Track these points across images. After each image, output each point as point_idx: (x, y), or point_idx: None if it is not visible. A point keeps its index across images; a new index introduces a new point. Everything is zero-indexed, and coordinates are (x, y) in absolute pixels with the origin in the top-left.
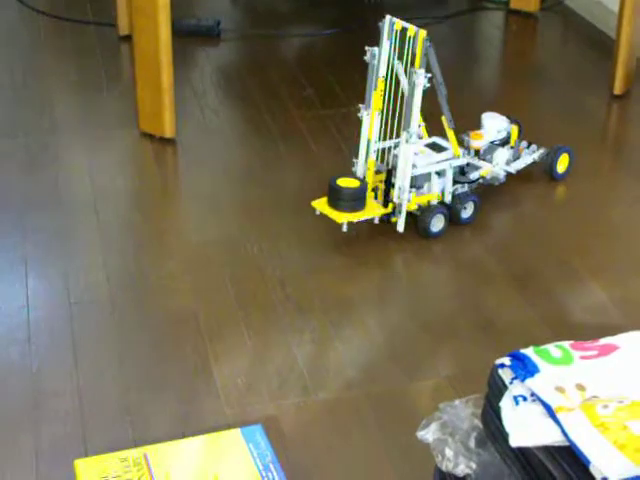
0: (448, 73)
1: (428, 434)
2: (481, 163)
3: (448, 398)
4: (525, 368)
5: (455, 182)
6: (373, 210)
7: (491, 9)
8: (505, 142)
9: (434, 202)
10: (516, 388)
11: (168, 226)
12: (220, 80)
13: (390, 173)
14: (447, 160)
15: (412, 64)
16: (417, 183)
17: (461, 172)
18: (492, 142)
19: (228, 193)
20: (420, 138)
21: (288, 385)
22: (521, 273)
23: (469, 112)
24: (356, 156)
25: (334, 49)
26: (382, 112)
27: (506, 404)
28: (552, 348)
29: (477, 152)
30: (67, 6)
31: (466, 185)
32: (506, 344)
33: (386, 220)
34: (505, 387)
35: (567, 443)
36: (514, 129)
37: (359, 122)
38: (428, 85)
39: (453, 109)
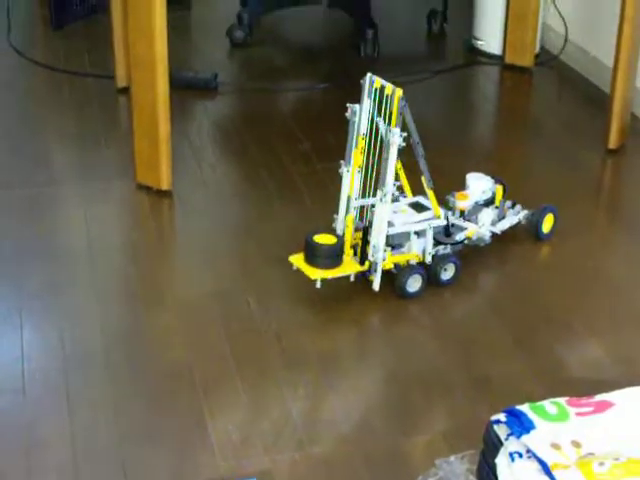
0: (443, 126)
1: None
2: (467, 224)
3: (443, 453)
4: (521, 424)
5: (439, 243)
6: (349, 267)
7: (486, 64)
8: (490, 202)
9: (413, 262)
10: (512, 444)
11: (163, 278)
12: (217, 133)
13: (367, 231)
14: (426, 220)
15: (389, 123)
16: (395, 242)
17: (446, 233)
18: (477, 202)
19: (223, 246)
20: (397, 198)
21: (283, 439)
22: (509, 332)
23: (464, 165)
24: (337, 212)
25: (330, 103)
26: (363, 169)
27: (502, 461)
28: (548, 404)
29: (462, 213)
30: (65, 58)
31: (448, 246)
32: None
33: (366, 277)
34: (501, 443)
35: None
36: (499, 189)
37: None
38: (404, 144)
39: (447, 163)
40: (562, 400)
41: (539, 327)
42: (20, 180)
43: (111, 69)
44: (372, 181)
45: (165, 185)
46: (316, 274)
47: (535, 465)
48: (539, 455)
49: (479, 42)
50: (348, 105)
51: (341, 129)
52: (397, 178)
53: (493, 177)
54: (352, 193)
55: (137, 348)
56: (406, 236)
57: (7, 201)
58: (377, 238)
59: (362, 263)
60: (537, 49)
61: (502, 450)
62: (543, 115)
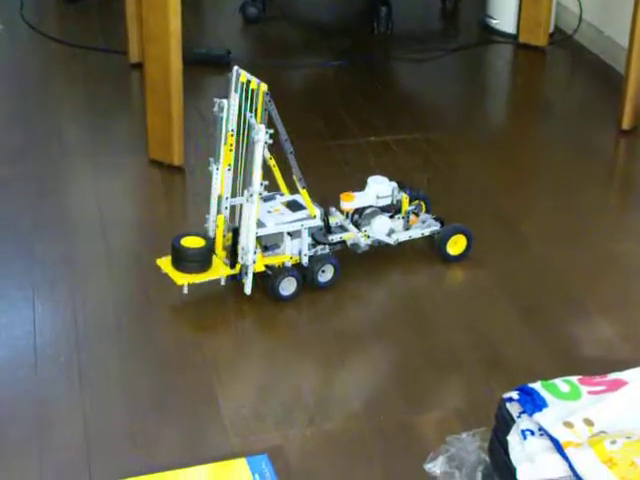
0: (455, 105)
1: (435, 467)
2: (350, 227)
3: (454, 431)
4: (533, 402)
5: (318, 243)
6: (217, 271)
7: (500, 43)
8: (397, 211)
9: (288, 264)
10: (524, 422)
11: None
12: None
13: (237, 232)
14: (299, 220)
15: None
16: (269, 243)
17: (326, 233)
18: (372, 206)
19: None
20: (273, 196)
21: (294, 415)
22: (522, 311)
23: (476, 144)
24: (208, 212)
25: (343, 79)
26: (233, 167)
27: (514, 438)
28: (560, 383)
29: (347, 214)
30: (78, 33)
31: (327, 247)
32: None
33: (239, 280)
34: (513, 421)
35: (575, 478)
36: (404, 198)
37: (367, 153)
38: (271, 141)
39: (462, 141)
40: (574, 378)
41: (552, 306)
42: (33, 154)
43: (124, 45)
44: (244, 179)
45: (177, 160)
46: (182, 279)
47: (547, 443)
48: (551, 433)
49: (493, 21)
50: (215, 100)
51: (353, 106)
52: (267, 177)
53: (401, 185)
54: (223, 192)
55: (149, 323)
56: (281, 237)
57: (20, 175)
58: (246, 239)
59: (232, 266)
60: (551, 28)
61: (514, 428)
62: (556, 95)
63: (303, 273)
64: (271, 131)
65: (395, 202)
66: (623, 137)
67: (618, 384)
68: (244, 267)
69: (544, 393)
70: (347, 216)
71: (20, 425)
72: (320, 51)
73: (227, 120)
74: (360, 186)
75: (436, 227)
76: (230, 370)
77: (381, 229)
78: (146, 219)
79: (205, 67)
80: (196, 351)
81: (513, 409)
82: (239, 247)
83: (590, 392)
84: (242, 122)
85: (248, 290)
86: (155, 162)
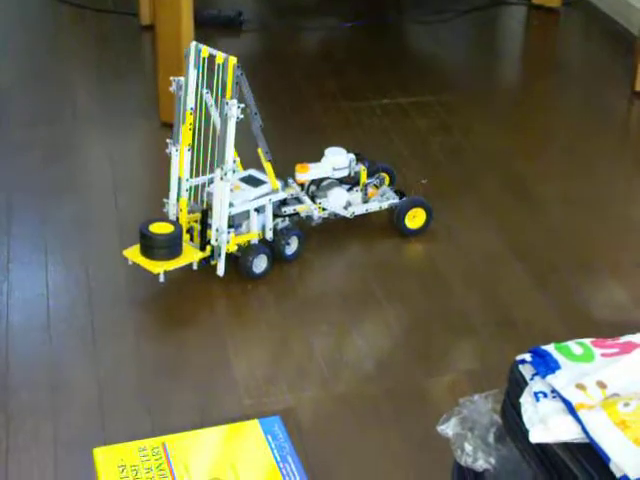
0: (468, 67)
1: (448, 428)
2: (305, 199)
3: (467, 394)
4: (546, 364)
5: (275, 216)
6: (190, 255)
7: (513, 4)
8: (356, 183)
9: (255, 241)
10: (537, 384)
11: None
12: (241, 69)
13: (206, 213)
14: (266, 195)
15: (223, 95)
16: (235, 222)
17: (280, 205)
18: (329, 178)
19: None
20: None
21: (307, 378)
22: (533, 274)
23: (493, 105)
24: (166, 196)
25: (356, 41)
26: (193, 147)
27: (526, 400)
28: (573, 345)
29: (302, 186)
30: None
31: (287, 219)
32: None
33: (205, 264)
34: (525, 383)
35: (587, 440)
36: (362, 170)
37: (381, 115)
38: (242, 116)
39: (476, 103)
40: (587, 341)
41: (566, 270)
42: (44, 117)
43: (135, 6)
44: (203, 159)
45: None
46: (157, 267)
47: (560, 405)
48: (564, 395)
49: None
50: (172, 78)
51: (367, 68)
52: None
53: (359, 156)
54: (182, 174)
55: (162, 287)
56: (245, 215)
57: (31, 138)
58: (220, 221)
59: (203, 249)
60: None
61: (527, 390)
62: (570, 56)
63: (270, 248)
64: (242, 105)
65: (353, 174)
66: (636, 99)
67: (631, 347)
68: (216, 248)
69: (557, 355)
70: (303, 188)
71: (34, 388)
72: (333, 13)
73: (185, 98)
74: (375, 150)
75: (395, 200)
76: (243, 333)
77: (337, 201)
78: (158, 181)
79: (216, 29)
80: (209, 314)
81: (526, 371)
82: (212, 229)
83: (603, 355)
84: (200, 100)
85: (221, 272)
86: (167, 125)
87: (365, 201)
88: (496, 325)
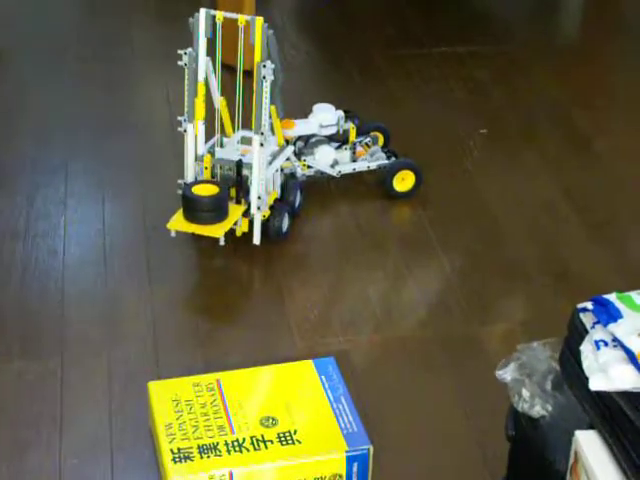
0: (528, 18)
1: (506, 374)
2: (290, 155)
3: (519, 342)
4: (608, 313)
5: None
6: (236, 212)
7: None
8: (345, 141)
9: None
10: (597, 333)
11: None
12: (298, 14)
13: (240, 165)
14: (285, 153)
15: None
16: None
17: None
18: (315, 135)
19: None
20: (220, 140)
21: (361, 321)
22: (588, 227)
23: (552, 57)
24: (181, 176)
25: None
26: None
27: (586, 348)
28: (635, 295)
29: (302, 141)
30: None
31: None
32: None
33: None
34: (586, 331)
35: None
36: (352, 128)
37: (439, 64)
38: (272, 78)
39: (535, 54)
40: None
41: (623, 223)
42: (102, 55)
43: None
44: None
45: (247, 65)
46: (218, 231)
47: (621, 354)
48: (625, 344)
49: None
50: (180, 51)
51: (425, 15)
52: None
53: (349, 114)
54: (198, 149)
55: None
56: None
57: (90, 74)
58: (261, 188)
59: (240, 202)
60: None
61: (587, 337)
62: (631, 9)
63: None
64: (273, 66)
65: (342, 132)
66: None
67: None
68: (252, 214)
69: (619, 304)
70: (289, 144)
71: (89, 321)
72: None
73: (196, 70)
74: (429, 100)
75: (383, 161)
76: (297, 276)
77: (324, 159)
78: (215, 120)
79: None
80: (265, 261)
81: (587, 319)
82: (252, 196)
83: None
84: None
85: (257, 240)
86: (225, 65)
87: (353, 160)
88: (551, 276)
